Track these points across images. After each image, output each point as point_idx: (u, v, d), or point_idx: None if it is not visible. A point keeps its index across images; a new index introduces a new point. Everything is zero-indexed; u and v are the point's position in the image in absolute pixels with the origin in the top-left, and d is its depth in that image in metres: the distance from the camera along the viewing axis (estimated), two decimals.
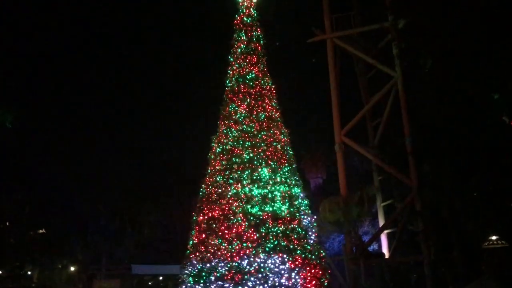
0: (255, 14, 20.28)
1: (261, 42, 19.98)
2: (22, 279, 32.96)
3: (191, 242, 17.36)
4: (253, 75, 19.06)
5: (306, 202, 17.85)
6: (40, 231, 34.48)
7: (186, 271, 16.72)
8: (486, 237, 17.34)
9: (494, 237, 17.35)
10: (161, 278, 34.47)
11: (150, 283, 35.21)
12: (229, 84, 19.29)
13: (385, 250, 23.94)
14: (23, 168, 29.70)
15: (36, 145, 29.40)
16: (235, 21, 20.17)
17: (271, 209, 16.44)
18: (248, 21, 19.93)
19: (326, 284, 16.65)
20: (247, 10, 20.10)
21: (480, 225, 16.98)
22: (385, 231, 23.98)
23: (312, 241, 17.00)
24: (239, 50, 19.60)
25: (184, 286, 16.69)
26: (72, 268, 32.85)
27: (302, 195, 17.80)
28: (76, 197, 33.15)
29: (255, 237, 15.86)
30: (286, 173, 17.53)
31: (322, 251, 17.50)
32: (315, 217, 18.48)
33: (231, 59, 19.75)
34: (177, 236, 31.92)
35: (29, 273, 34.66)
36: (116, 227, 32.18)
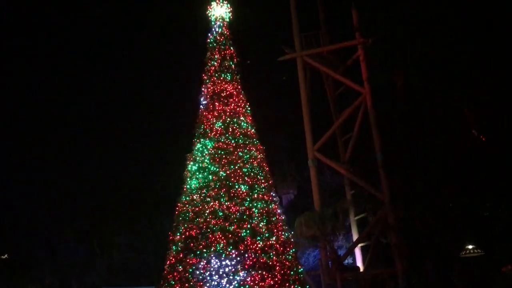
0: (228, 33, 20.48)
1: (234, 60, 20.15)
2: None
3: (168, 262, 17.08)
4: (228, 92, 19.17)
5: (283, 218, 17.94)
6: (3, 256, 33.11)
7: None
8: (462, 247, 17.86)
9: (470, 246, 17.88)
10: None
11: None
12: (204, 102, 19.32)
13: (359, 263, 24.30)
14: None
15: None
16: (208, 39, 20.32)
17: (249, 226, 16.41)
18: (221, 39, 20.10)
19: None
20: (220, 29, 20.28)
21: (454, 236, 17.51)
22: (359, 245, 24.37)
23: (290, 257, 17.02)
24: (212, 68, 19.70)
25: None
26: None
27: (279, 211, 17.89)
28: (42, 220, 32.02)
29: (234, 255, 15.77)
30: (263, 190, 17.61)
31: (300, 267, 17.55)
32: (292, 232, 18.57)
33: (205, 77, 19.83)
34: (149, 257, 31.24)
35: None
36: (85, 251, 31.29)
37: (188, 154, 18.61)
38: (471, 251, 18.03)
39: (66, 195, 33.82)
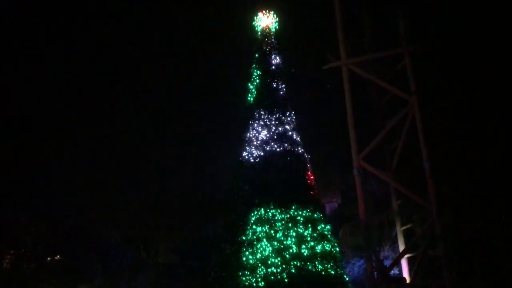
0: (274, 42, 20.83)
1: (280, 69, 20.46)
2: None
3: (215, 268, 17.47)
4: (273, 101, 19.47)
5: (328, 226, 17.95)
6: (57, 257, 34.59)
7: None
8: None
9: None
10: None
11: None
12: (250, 110, 19.70)
13: (406, 274, 23.79)
14: (42, 197, 30.11)
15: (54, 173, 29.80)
16: (255, 49, 20.73)
17: (294, 234, 16.54)
18: (268, 49, 20.46)
19: None
20: (267, 39, 20.66)
21: (508, 247, 16.90)
22: (406, 256, 23.87)
23: (335, 266, 16.99)
24: (258, 76, 20.07)
25: None
26: None
27: (324, 219, 17.92)
28: (93, 224, 33.32)
29: (279, 262, 15.93)
30: (308, 198, 17.71)
31: (345, 276, 17.47)
32: (337, 241, 18.52)
33: (251, 87, 20.22)
34: (194, 262, 31.83)
35: None
36: (133, 255, 32.24)
37: (237, 162, 19.02)
38: None
39: (115, 200, 35.05)
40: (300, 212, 17.15)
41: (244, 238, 16.78)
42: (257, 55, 20.46)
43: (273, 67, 20.22)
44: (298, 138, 19.09)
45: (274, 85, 19.77)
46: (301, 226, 16.79)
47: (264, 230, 16.59)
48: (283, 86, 20.21)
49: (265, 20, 20.97)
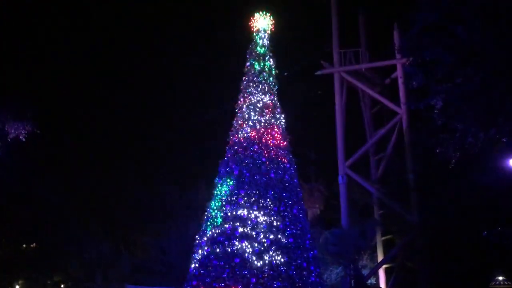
0: (268, 45, 20.77)
1: (273, 72, 20.41)
2: None
3: (192, 265, 17.29)
4: (264, 103, 19.39)
5: (309, 234, 17.92)
6: (33, 245, 34.07)
7: None
8: (492, 278, 17.47)
9: (500, 278, 17.49)
10: None
11: None
12: (239, 111, 19.59)
13: (382, 284, 23.95)
14: (21, 184, 29.61)
15: (37, 161, 29.27)
16: (249, 50, 20.65)
17: (275, 237, 16.47)
18: (262, 51, 20.41)
19: None
20: (261, 40, 20.59)
21: (485, 266, 17.12)
22: (384, 266, 24.04)
23: (314, 273, 16.96)
24: (251, 78, 19.98)
25: None
26: (63, 286, 32.40)
27: (306, 225, 17.90)
28: (71, 215, 32.85)
29: (258, 265, 15.84)
30: (292, 202, 17.66)
31: (323, 283, 17.46)
32: (316, 248, 18.51)
33: (242, 87, 20.13)
34: (172, 258, 31.57)
35: (17, 287, 34.10)
36: (110, 248, 31.88)
37: (220, 161, 18.87)
38: (501, 282, 17.60)
39: (95, 192, 34.69)
40: (283, 215, 17.04)
41: (224, 237, 16.61)
42: (250, 55, 20.34)
43: (267, 69, 20.15)
44: (286, 143, 19.00)
45: (266, 88, 19.69)
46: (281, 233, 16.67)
47: (246, 231, 16.45)
48: (275, 88, 20.15)
49: (262, 22, 20.89)
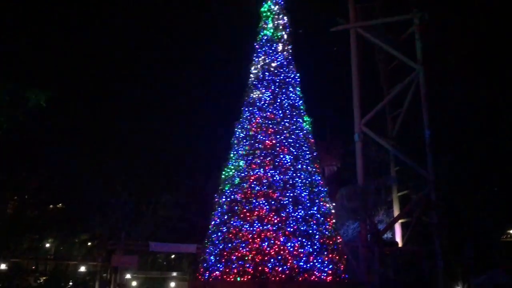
0: (282, 2, 20.52)
1: (287, 30, 20.26)
2: (40, 251, 34.01)
3: (212, 223, 17.94)
4: (278, 62, 19.40)
5: (325, 189, 18.30)
6: (59, 205, 35.37)
7: (207, 250, 17.33)
8: (504, 231, 17.74)
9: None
10: (173, 256, 35.30)
11: (162, 261, 36.13)
12: (254, 71, 19.65)
13: (398, 239, 24.44)
14: (47, 146, 30.50)
15: (61, 125, 29.96)
16: (262, 8, 20.44)
17: (292, 194, 16.91)
18: (275, 8, 20.20)
19: (341, 269, 17.16)
20: None
21: (498, 219, 17.35)
22: (399, 221, 24.43)
23: (330, 227, 17.46)
24: (265, 37, 19.91)
25: (205, 265, 17.31)
26: (90, 243, 33.84)
27: (321, 182, 18.26)
28: (96, 175, 33.82)
29: (275, 221, 16.37)
30: (307, 161, 17.97)
31: (338, 237, 17.98)
32: (333, 204, 18.93)
33: (257, 46, 20.09)
34: (192, 216, 32.61)
35: (48, 245, 35.75)
36: (133, 207, 32.93)
37: (236, 122, 19.14)
38: None
39: (119, 153, 35.48)
40: (298, 174, 17.41)
41: (242, 195, 17.11)
42: (264, 14, 20.16)
43: (281, 27, 19.99)
44: (301, 102, 19.10)
45: (280, 47, 19.62)
46: (298, 187, 17.10)
47: (263, 189, 16.91)
48: (290, 47, 20.06)
49: None
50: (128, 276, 30.64)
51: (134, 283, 31.08)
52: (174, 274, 31.89)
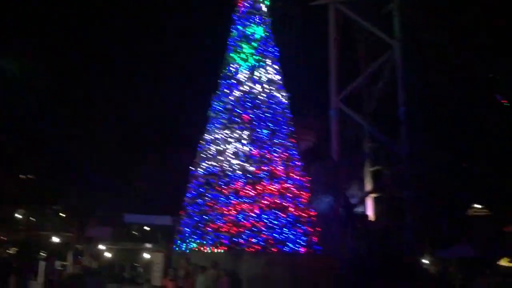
0: None
1: (266, 2, 19.99)
2: (11, 222, 33.51)
3: (188, 195, 18.00)
4: (257, 35, 19.20)
5: (301, 163, 18.51)
6: (30, 176, 34.75)
7: (183, 222, 17.44)
8: (471, 206, 18.45)
9: (479, 206, 18.51)
10: (147, 228, 35.27)
11: (136, 233, 36.03)
12: (232, 43, 19.42)
13: (370, 213, 25.12)
14: (21, 116, 29.61)
15: (35, 94, 29.01)
16: None
17: (268, 168, 17.05)
18: None
19: (314, 241, 17.56)
20: None
21: (466, 195, 17.99)
22: (372, 196, 25.08)
23: (304, 200, 17.75)
24: (243, 9, 19.62)
25: (180, 236, 17.44)
26: (64, 214, 33.49)
27: (298, 156, 18.44)
28: (69, 146, 33.18)
29: (252, 194, 16.54)
30: (284, 135, 18.09)
31: (312, 210, 18.31)
32: (308, 178, 19.18)
33: (235, 18, 19.80)
34: (167, 188, 32.52)
35: (20, 216, 35.20)
36: (108, 178, 32.60)
37: (214, 94, 19.00)
38: (480, 211, 18.65)
39: (93, 123, 34.75)
40: (274, 148, 17.54)
41: (219, 168, 17.16)
42: None
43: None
44: (279, 76, 19.05)
45: (259, 19, 19.40)
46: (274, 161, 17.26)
47: (240, 162, 17.00)
48: (268, 20, 19.85)
49: None
50: (101, 247, 30.65)
51: (107, 254, 31.10)
52: (149, 245, 32.01)
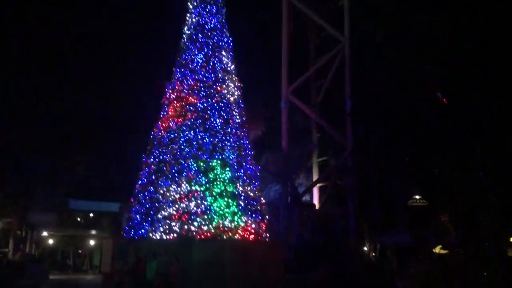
0: None
1: None
2: None
3: (139, 182, 18.00)
4: (212, 25, 19.37)
5: (252, 153, 18.99)
6: None
7: (133, 209, 17.46)
8: (410, 196, 19.77)
9: (417, 197, 19.86)
10: (91, 215, 34.58)
11: (80, 219, 35.24)
12: (187, 32, 19.48)
13: (315, 201, 26.16)
14: None
15: None
16: None
17: (220, 157, 17.39)
18: None
19: (263, 228, 18.16)
20: None
21: (404, 185, 19.25)
22: (318, 185, 26.10)
23: (254, 189, 18.27)
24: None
25: (130, 223, 17.46)
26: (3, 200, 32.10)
27: (249, 146, 18.90)
28: (6, 129, 31.71)
29: (203, 182, 16.83)
30: (237, 125, 18.45)
31: (262, 199, 18.89)
32: (259, 167, 19.73)
33: (190, 7, 19.84)
34: (112, 176, 32.05)
35: None
36: (49, 165, 31.56)
37: (167, 82, 19.03)
38: (418, 201, 20.04)
39: (33, 107, 33.38)
40: (227, 137, 17.88)
41: (171, 156, 17.30)
42: None
43: None
44: (233, 66, 19.36)
45: (214, 9, 19.57)
46: (227, 150, 17.62)
47: (192, 151, 17.21)
48: (223, 10, 20.05)
49: None
50: (44, 233, 29.81)
51: (50, 241, 30.31)
52: (93, 232, 31.52)
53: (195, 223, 16.34)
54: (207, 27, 19.26)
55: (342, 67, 24.93)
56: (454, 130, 14.64)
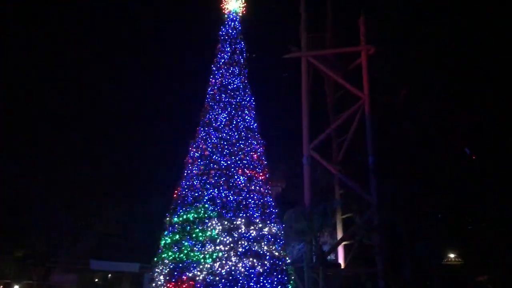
0: (240, 27, 21.15)
1: (244, 54, 20.87)
2: None
3: (163, 242, 17.86)
4: (235, 85, 19.90)
5: (275, 210, 18.81)
6: None
7: (157, 270, 17.20)
8: (443, 255, 18.95)
9: (452, 255, 19.05)
10: (109, 275, 34.12)
11: (98, 280, 34.76)
12: (211, 92, 20.02)
13: (341, 260, 25.31)
14: None
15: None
16: (220, 32, 20.96)
17: (244, 215, 17.25)
18: (233, 33, 20.78)
19: None
20: (233, 23, 20.94)
21: (436, 244, 18.56)
22: (343, 243, 25.35)
23: (279, 248, 17.92)
24: (222, 60, 20.40)
25: (154, 284, 17.15)
26: (26, 261, 32.10)
27: (273, 204, 18.75)
28: (33, 191, 32.26)
29: (228, 241, 16.60)
30: (260, 182, 18.44)
31: (287, 258, 18.46)
32: (282, 225, 19.42)
33: (214, 68, 20.51)
34: (136, 235, 31.94)
35: None
36: (72, 223, 31.73)
37: (192, 141, 19.32)
38: (453, 259, 19.20)
39: (58, 165, 34.12)
40: (251, 195, 17.81)
41: (195, 215, 17.24)
42: (222, 38, 20.67)
43: (238, 51, 20.58)
44: (255, 124, 19.64)
45: (237, 70, 20.17)
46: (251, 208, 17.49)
47: (216, 209, 17.13)
48: (246, 71, 20.65)
49: (233, 3, 21.21)
50: None
51: None
52: None
53: (220, 285, 15.99)
54: (230, 87, 19.78)
55: (362, 123, 24.95)
56: (487, 186, 14.29)
